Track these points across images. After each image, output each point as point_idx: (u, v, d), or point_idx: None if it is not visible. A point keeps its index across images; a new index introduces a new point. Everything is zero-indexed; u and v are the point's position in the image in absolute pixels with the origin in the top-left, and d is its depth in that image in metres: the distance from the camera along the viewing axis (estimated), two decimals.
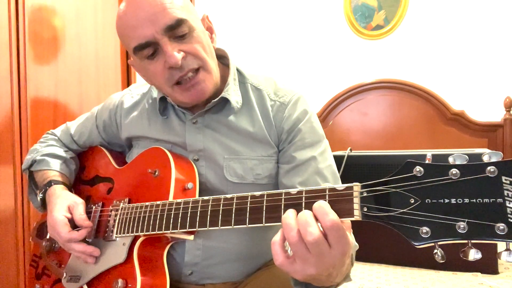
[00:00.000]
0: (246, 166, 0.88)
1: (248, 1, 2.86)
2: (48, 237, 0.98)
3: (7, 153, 1.72)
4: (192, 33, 0.81)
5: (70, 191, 0.98)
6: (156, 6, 0.77)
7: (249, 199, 0.63)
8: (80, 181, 1.08)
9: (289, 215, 0.56)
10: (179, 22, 0.78)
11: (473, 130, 2.30)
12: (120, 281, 0.80)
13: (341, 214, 0.54)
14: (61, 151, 1.06)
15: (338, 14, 2.63)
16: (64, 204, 0.89)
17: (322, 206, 0.54)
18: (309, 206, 0.56)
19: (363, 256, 1.81)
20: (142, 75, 0.89)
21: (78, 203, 0.90)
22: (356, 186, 0.55)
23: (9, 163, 1.72)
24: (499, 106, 2.25)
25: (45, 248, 0.99)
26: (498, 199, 0.46)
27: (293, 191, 0.60)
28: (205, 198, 0.69)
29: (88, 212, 0.93)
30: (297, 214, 0.56)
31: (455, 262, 1.60)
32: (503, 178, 0.46)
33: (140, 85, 1.05)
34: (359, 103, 2.55)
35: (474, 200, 0.48)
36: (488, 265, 1.57)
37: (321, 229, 0.54)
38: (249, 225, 0.62)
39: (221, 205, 0.66)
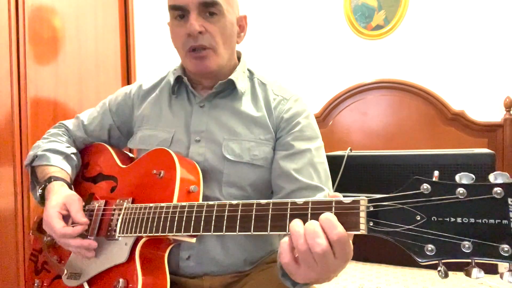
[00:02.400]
0: (243, 146, 0.92)
1: (248, 1, 2.85)
2: None
3: (7, 153, 1.72)
4: (220, 18, 0.91)
5: (70, 187, 0.98)
6: None
7: (254, 207, 0.63)
8: (83, 177, 1.07)
9: (297, 223, 0.57)
10: (213, 3, 0.89)
11: (473, 130, 2.30)
12: (121, 280, 0.79)
13: (346, 227, 0.55)
14: (62, 147, 1.06)
15: (338, 14, 2.63)
16: (60, 201, 0.89)
17: (330, 218, 0.55)
18: (315, 217, 0.56)
19: (363, 256, 1.82)
20: (171, 37, 0.98)
21: (74, 200, 0.89)
22: (363, 200, 0.56)
23: (9, 163, 1.72)
24: (499, 106, 2.26)
25: (46, 243, 0.99)
26: (503, 221, 0.47)
27: (299, 201, 0.60)
28: (210, 203, 0.69)
29: (90, 210, 0.93)
30: (304, 224, 0.57)
31: (455, 262, 1.60)
32: (509, 200, 0.48)
33: (151, 78, 1.10)
34: (359, 103, 2.55)
35: (480, 220, 0.49)
36: (488, 265, 1.57)
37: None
38: (254, 233, 0.62)
39: (226, 211, 0.66)
